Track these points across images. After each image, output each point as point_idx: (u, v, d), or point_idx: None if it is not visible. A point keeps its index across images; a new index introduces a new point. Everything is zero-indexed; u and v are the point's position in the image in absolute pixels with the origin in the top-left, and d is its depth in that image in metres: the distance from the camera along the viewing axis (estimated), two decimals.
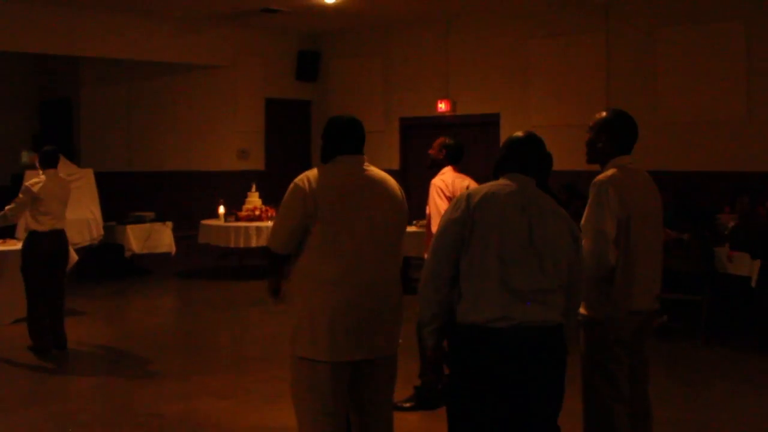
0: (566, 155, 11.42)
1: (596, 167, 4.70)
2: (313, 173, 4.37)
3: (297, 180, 4.38)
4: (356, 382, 4.39)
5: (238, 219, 13.15)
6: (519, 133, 4.08)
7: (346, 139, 4.45)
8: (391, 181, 4.53)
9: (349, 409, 4.47)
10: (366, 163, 4.48)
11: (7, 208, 8.53)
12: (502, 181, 3.92)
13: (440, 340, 3.90)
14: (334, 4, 12.66)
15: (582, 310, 4.55)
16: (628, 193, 4.44)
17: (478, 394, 3.73)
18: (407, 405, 6.45)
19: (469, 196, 3.84)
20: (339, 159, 4.43)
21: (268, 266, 4.75)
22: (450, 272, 3.81)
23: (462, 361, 3.82)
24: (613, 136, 4.58)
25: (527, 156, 3.98)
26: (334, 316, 4.23)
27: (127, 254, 13.01)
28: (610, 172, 4.49)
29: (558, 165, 6.38)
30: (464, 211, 3.79)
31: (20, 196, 8.51)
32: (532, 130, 4.24)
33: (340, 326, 4.24)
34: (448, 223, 3.84)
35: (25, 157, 8.59)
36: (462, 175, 6.85)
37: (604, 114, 4.68)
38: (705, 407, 6.97)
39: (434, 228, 5.71)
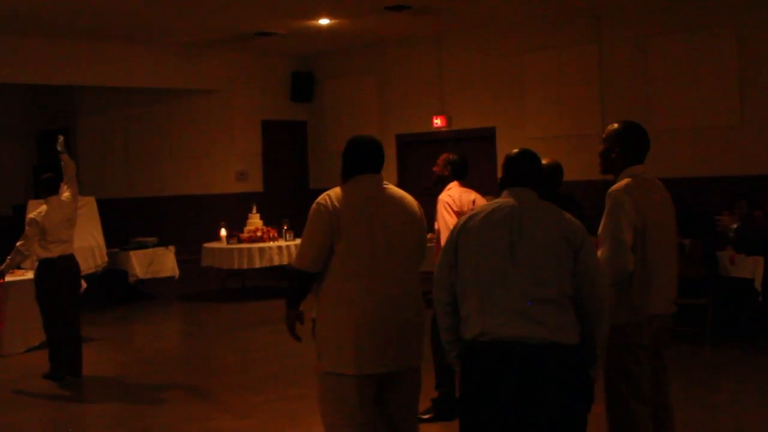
0: (563, 166, 11.65)
1: (594, 177, 4.84)
2: (334, 192, 4.49)
3: (319, 199, 4.48)
4: (382, 394, 4.51)
5: (240, 241, 13.26)
6: (514, 150, 4.23)
7: (366, 159, 4.57)
8: (409, 199, 4.66)
9: (378, 421, 4.58)
10: (385, 182, 4.61)
11: (17, 244, 8.61)
12: (498, 199, 4.06)
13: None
14: (327, 25, 12.82)
15: None
16: (642, 201, 4.59)
17: (477, 407, 3.81)
18: (426, 416, 6.55)
19: (457, 223, 4.06)
20: (358, 178, 4.55)
21: (291, 291, 4.69)
22: (448, 298, 3.99)
23: (463, 375, 3.96)
24: (625, 147, 4.73)
25: (521, 169, 4.10)
26: (358, 330, 4.36)
27: (132, 280, 13.10)
28: (624, 181, 4.64)
29: None
30: (451, 239, 4.00)
31: (27, 229, 8.62)
32: (528, 142, 4.41)
33: (365, 340, 4.36)
34: (441, 252, 4.08)
35: (60, 144, 8.76)
36: (468, 190, 6.95)
37: (616, 125, 4.82)
38: (712, 408, 7.11)
39: (443, 243, 5.82)
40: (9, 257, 8.69)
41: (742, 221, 9.28)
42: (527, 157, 4.18)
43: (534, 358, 3.70)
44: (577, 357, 3.79)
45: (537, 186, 4.09)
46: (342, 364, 4.40)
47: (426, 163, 7.18)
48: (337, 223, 4.37)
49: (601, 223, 4.59)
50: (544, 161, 5.75)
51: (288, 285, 4.71)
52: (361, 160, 4.57)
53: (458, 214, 6.40)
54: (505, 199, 4.00)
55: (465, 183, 7.02)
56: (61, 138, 8.93)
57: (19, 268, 10.39)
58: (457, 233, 3.96)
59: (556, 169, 5.85)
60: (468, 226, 3.94)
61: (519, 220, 3.87)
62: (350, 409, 4.40)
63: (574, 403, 3.77)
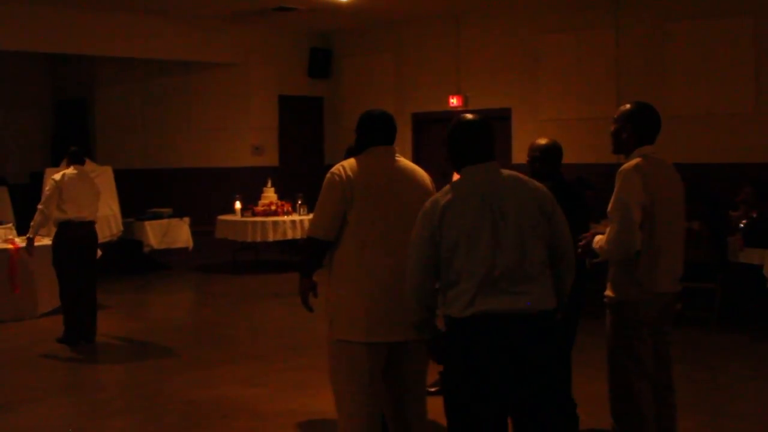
0: (577, 148, 11.66)
1: (604, 160, 4.89)
2: (348, 163, 4.57)
3: (333, 170, 4.56)
4: (391, 364, 4.59)
5: (254, 214, 13.37)
6: (466, 117, 4.11)
7: (379, 131, 4.64)
8: (421, 172, 4.74)
9: (384, 394, 4.68)
10: (397, 154, 4.69)
11: (39, 206, 8.76)
12: (461, 182, 3.93)
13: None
14: (347, 2, 12.85)
15: (608, 292, 4.79)
16: (652, 180, 4.66)
17: (472, 379, 3.79)
18: (433, 389, 6.63)
19: (432, 213, 3.86)
20: (372, 150, 4.62)
21: (305, 260, 4.72)
22: (432, 285, 3.91)
23: (451, 351, 3.89)
24: (637, 127, 4.79)
25: (482, 142, 4.01)
26: (370, 299, 4.45)
27: (146, 250, 13.26)
28: (634, 161, 4.71)
29: (568, 158, 6.57)
30: (427, 235, 3.85)
31: (46, 189, 8.78)
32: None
33: (376, 309, 4.45)
34: (416, 248, 3.90)
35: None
36: None
37: (628, 106, 4.88)
38: (719, 391, 7.19)
39: None
40: (32, 222, 8.84)
41: (745, 214, 9.31)
42: (484, 126, 4.06)
43: (524, 326, 3.73)
44: (554, 318, 3.87)
45: (493, 155, 4.00)
46: (353, 332, 4.48)
47: (441, 142, 7.14)
48: (350, 193, 4.45)
49: (611, 201, 4.67)
50: (542, 141, 5.86)
51: (301, 255, 4.76)
52: (373, 132, 4.65)
53: None
54: (474, 180, 3.89)
55: None
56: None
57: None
58: (435, 228, 3.82)
59: (553, 149, 5.87)
60: (446, 220, 3.80)
61: (498, 202, 3.81)
62: (360, 377, 4.49)
63: (558, 360, 3.90)
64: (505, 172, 3.97)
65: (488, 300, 3.72)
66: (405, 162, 4.71)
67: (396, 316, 4.46)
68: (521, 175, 4.00)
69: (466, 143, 4.01)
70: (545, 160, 5.77)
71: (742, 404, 6.82)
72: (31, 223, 8.89)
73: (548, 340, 3.81)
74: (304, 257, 4.77)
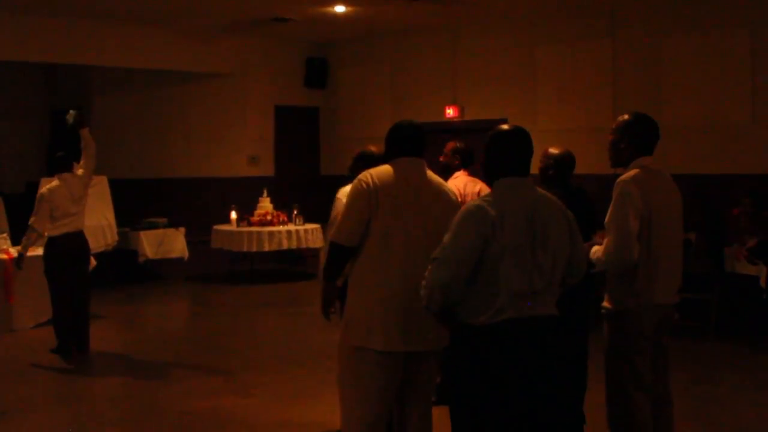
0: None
1: (605, 172, 4.87)
2: (376, 171, 4.59)
3: (361, 176, 4.58)
4: (404, 374, 4.59)
5: (250, 224, 13.35)
6: (504, 127, 4.08)
7: (406, 142, 4.66)
8: (447, 187, 4.78)
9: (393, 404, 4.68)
10: (426, 167, 4.69)
11: (30, 221, 8.68)
12: (506, 195, 3.90)
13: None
14: (343, 13, 12.86)
15: (606, 303, 4.78)
16: (650, 191, 4.65)
17: (480, 391, 3.84)
18: (431, 399, 6.61)
19: (483, 219, 3.81)
20: (400, 160, 4.64)
21: (328, 265, 4.70)
22: (460, 285, 3.84)
23: (473, 358, 3.91)
24: (634, 138, 4.79)
25: (524, 154, 3.99)
26: (387, 308, 4.45)
27: (141, 260, 13.22)
28: (632, 172, 4.70)
29: None
30: (481, 235, 3.80)
31: (37, 204, 8.70)
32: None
33: (393, 318, 4.45)
34: (464, 239, 3.84)
35: (71, 117, 8.80)
36: (474, 179, 6.94)
37: (626, 117, 4.88)
38: (715, 401, 7.18)
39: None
40: (24, 237, 8.78)
41: (746, 225, 9.32)
42: (525, 137, 4.02)
43: (544, 331, 3.84)
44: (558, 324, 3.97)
45: (528, 171, 4.00)
46: (370, 340, 4.48)
47: (438, 153, 7.14)
48: (375, 201, 4.47)
49: (608, 212, 4.66)
50: (555, 150, 5.85)
51: (325, 259, 4.76)
52: (401, 143, 4.66)
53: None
54: (519, 196, 3.89)
55: (471, 172, 7.02)
56: (71, 112, 8.90)
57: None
58: (486, 235, 3.77)
59: (567, 158, 5.86)
60: (497, 230, 3.77)
61: (542, 226, 3.84)
62: (372, 385, 4.49)
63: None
64: (541, 191, 4.03)
65: (511, 309, 3.78)
66: (432, 175, 4.73)
67: (413, 326, 4.47)
68: (551, 196, 4.04)
69: (506, 153, 3.99)
70: (558, 168, 5.77)
71: (739, 415, 6.80)
72: (23, 240, 8.80)
73: (561, 344, 3.94)
74: (327, 262, 4.76)
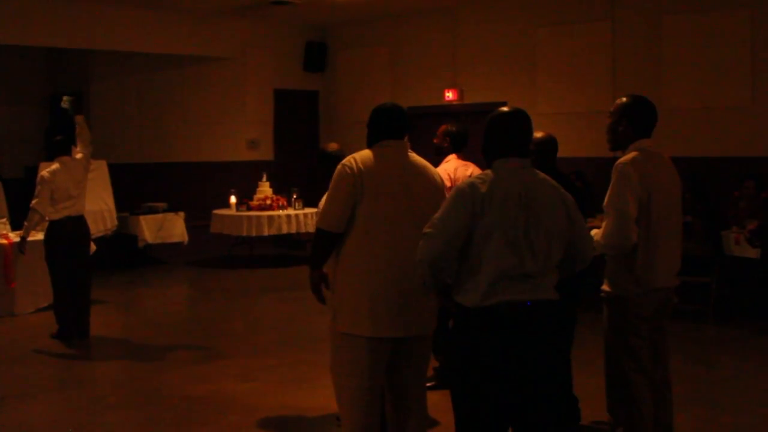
0: (573, 142, 11.66)
1: (604, 155, 4.86)
2: (359, 155, 4.54)
3: (345, 161, 4.54)
4: (394, 359, 4.58)
5: (249, 208, 13.36)
6: (504, 109, 4.06)
7: (390, 125, 4.62)
8: (431, 168, 4.74)
9: (385, 389, 4.67)
10: (409, 149, 4.67)
11: (32, 204, 8.65)
12: (500, 174, 3.90)
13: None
14: None
15: (605, 287, 4.78)
16: (648, 174, 4.64)
17: (475, 375, 3.83)
18: (428, 384, 6.61)
19: (472, 197, 3.82)
20: (383, 143, 4.61)
21: (314, 252, 4.66)
22: (450, 262, 3.84)
23: (463, 339, 3.90)
24: (633, 121, 4.77)
25: (522, 136, 3.98)
26: (375, 293, 4.42)
27: (141, 244, 13.22)
28: (631, 154, 4.69)
29: (565, 152, 6.53)
30: (464, 223, 3.80)
31: (38, 187, 8.68)
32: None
33: (381, 304, 4.43)
34: (454, 216, 3.84)
35: (66, 102, 8.79)
36: (466, 163, 6.85)
37: (624, 99, 4.86)
38: (714, 384, 7.21)
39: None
40: (26, 220, 8.76)
41: (748, 207, 9.30)
42: (524, 119, 4.01)
43: (537, 314, 3.80)
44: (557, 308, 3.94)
45: (528, 153, 4.00)
46: (358, 326, 4.47)
47: (435, 136, 7.10)
48: (360, 186, 4.43)
49: (607, 195, 4.65)
50: (538, 134, 5.83)
51: (311, 246, 4.75)
52: (384, 125, 4.63)
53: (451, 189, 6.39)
54: (513, 176, 3.88)
55: (464, 155, 6.97)
56: (66, 98, 8.90)
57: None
58: (474, 212, 3.78)
59: (549, 142, 5.85)
60: (486, 208, 3.78)
61: (534, 205, 3.82)
62: (362, 371, 4.48)
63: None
64: (540, 174, 3.99)
65: (506, 291, 3.74)
66: (416, 158, 4.69)
67: (401, 312, 4.46)
68: (550, 179, 4.01)
69: (504, 135, 3.97)
70: (541, 153, 5.74)
71: (738, 397, 6.81)
72: (25, 223, 8.77)
73: (558, 329, 3.91)
74: (312, 249, 4.73)
